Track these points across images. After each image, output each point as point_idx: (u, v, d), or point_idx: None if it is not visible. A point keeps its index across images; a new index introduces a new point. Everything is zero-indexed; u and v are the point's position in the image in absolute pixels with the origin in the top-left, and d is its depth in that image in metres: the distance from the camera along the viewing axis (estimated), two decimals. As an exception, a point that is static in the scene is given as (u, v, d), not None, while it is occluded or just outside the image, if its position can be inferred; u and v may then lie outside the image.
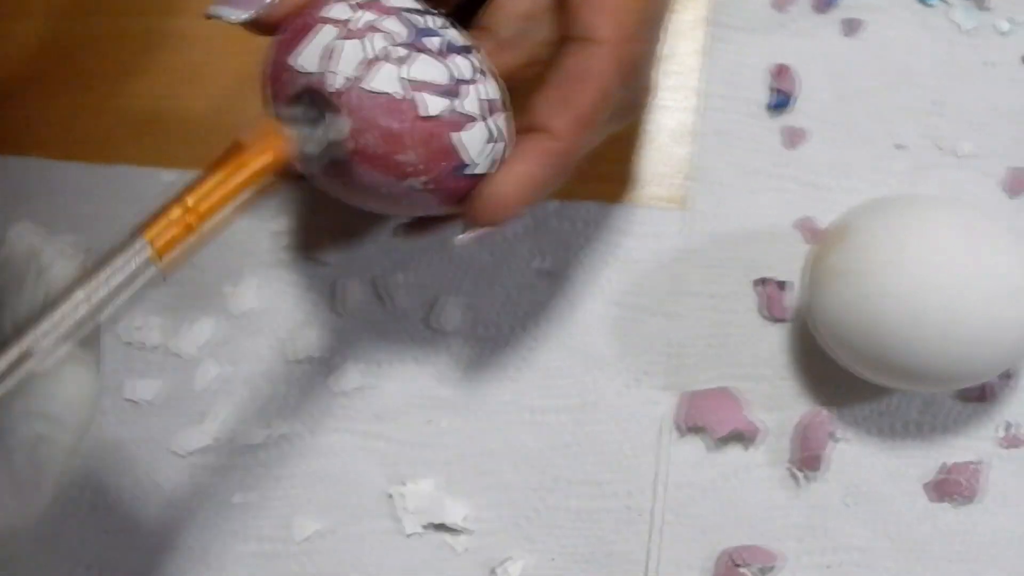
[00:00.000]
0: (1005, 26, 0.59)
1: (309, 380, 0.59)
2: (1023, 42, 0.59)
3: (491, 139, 0.46)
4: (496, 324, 0.59)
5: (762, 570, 0.55)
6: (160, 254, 0.41)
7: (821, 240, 0.53)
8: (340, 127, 0.44)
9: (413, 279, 0.59)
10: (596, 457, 0.57)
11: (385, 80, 0.43)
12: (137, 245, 0.42)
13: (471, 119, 0.45)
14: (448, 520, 0.56)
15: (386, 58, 0.44)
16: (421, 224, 0.52)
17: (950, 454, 0.55)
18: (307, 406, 0.58)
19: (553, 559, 0.56)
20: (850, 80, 0.59)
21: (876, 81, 0.59)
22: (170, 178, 0.61)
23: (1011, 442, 0.55)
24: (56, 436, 0.40)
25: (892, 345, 0.50)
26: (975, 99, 0.58)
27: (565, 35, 0.47)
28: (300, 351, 0.59)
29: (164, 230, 0.42)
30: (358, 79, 0.43)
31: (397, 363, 0.58)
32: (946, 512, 0.55)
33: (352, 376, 0.58)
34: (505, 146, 0.47)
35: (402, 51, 0.44)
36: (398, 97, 0.43)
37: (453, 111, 0.44)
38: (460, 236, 0.47)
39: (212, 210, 0.43)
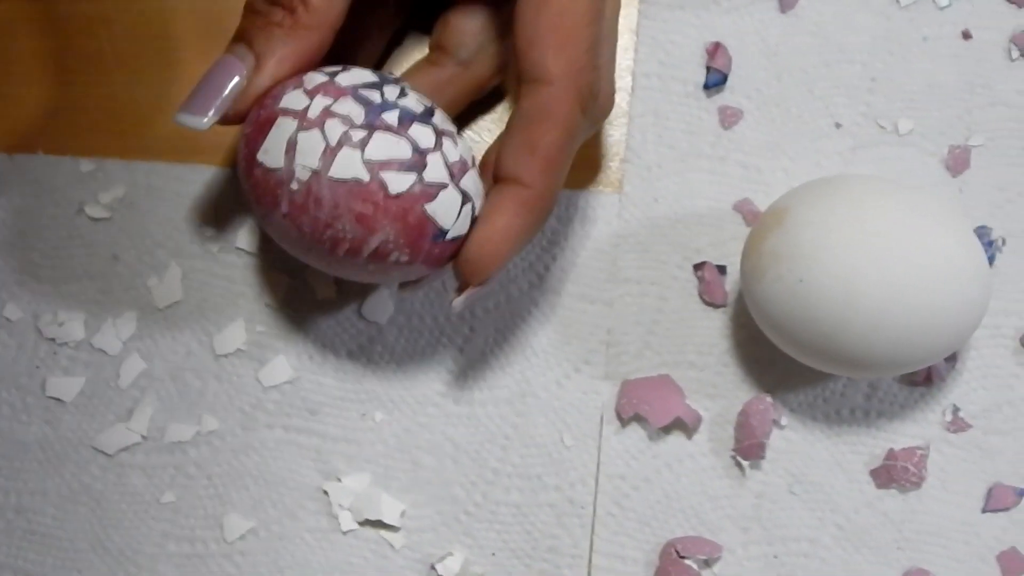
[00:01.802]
0: (944, 0, 0.55)
1: (238, 374, 0.54)
2: (963, 16, 0.54)
3: (464, 201, 0.44)
4: (431, 314, 0.54)
5: (707, 561, 0.51)
6: None
7: (758, 223, 0.48)
8: None
9: (344, 269, 0.55)
10: (536, 449, 0.53)
11: (348, 166, 0.43)
12: None
13: (441, 186, 0.44)
14: (385, 516, 0.52)
15: (346, 143, 0.42)
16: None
17: (896, 440, 0.51)
18: (237, 401, 0.54)
19: (494, 554, 0.52)
20: (786, 57, 0.54)
21: (813, 58, 0.54)
22: (87, 167, 0.56)
23: (958, 426, 0.51)
24: None
25: (830, 331, 0.45)
26: (915, 75, 0.54)
27: (519, 77, 0.45)
28: (228, 345, 0.54)
29: None
30: (323, 169, 0.42)
31: (329, 355, 0.54)
32: (893, 498, 0.51)
33: (283, 370, 0.54)
34: (475, 204, 0.45)
35: (361, 132, 0.43)
36: (364, 181, 0.42)
37: (422, 183, 0.43)
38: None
39: None
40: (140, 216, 0.55)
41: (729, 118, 0.54)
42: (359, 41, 0.52)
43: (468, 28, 0.50)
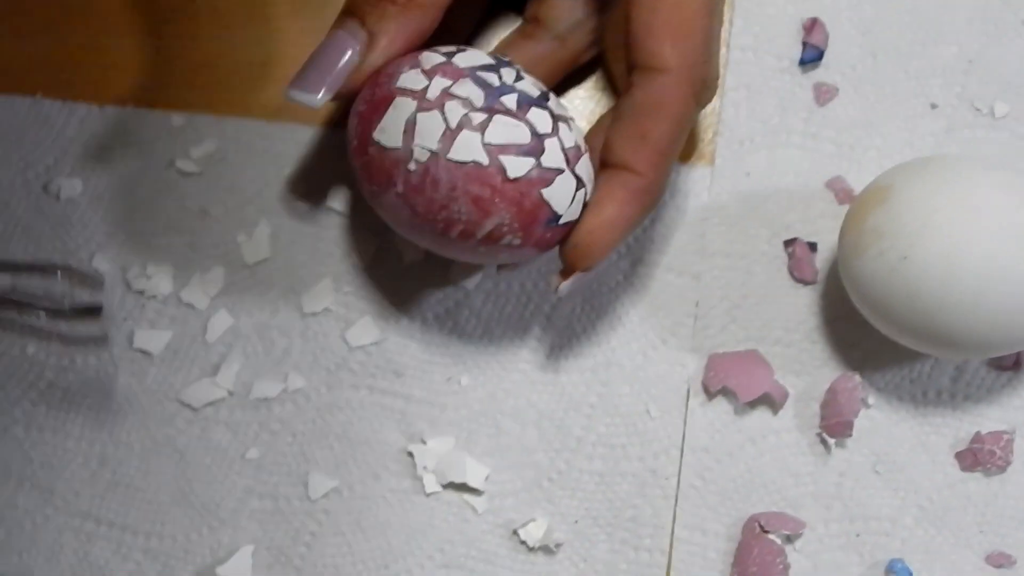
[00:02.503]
0: (1044, -16, 0.54)
1: (325, 334, 0.54)
2: (1064, 1, 0.54)
3: (578, 186, 0.44)
4: (518, 281, 0.54)
5: (789, 537, 0.51)
6: None
7: (859, 200, 0.48)
8: None
9: (433, 232, 0.54)
10: (620, 419, 0.53)
11: (468, 149, 0.43)
12: None
13: (558, 172, 0.44)
14: (470, 480, 0.52)
15: (466, 125, 0.43)
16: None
17: (982, 423, 0.51)
18: (323, 360, 0.54)
19: (576, 521, 0.52)
20: (881, 36, 0.54)
21: (908, 37, 0.54)
22: (178, 122, 0.56)
23: (1046, 412, 0.52)
24: None
25: (930, 309, 0.45)
26: (1012, 59, 0.53)
27: (632, 63, 0.44)
28: (315, 304, 0.54)
29: None
30: (442, 150, 0.43)
31: (416, 318, 0.54)
32: (977, 481, 0.51)
33: (369, 330, 0.54)
34: (587, 190, 0.45)
35: (481, 116, 0.43)
36: (483, 164, 0.43)
37: (539, 167, 0.43)
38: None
39: None
40: (230, 172, 0.55)
41: (824, 95, 0.53)
42: (453, 19, 0.52)
43: (565, 2, 0.50)
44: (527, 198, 0.43)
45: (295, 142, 0.55)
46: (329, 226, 0.54)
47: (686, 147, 0.54)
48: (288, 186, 0.55)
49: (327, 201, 0.54)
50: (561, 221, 0.44)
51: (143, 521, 0.53)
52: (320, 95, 0.45)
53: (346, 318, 0.54)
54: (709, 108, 0.54)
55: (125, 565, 0.53)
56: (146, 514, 0.53)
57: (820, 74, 0.54)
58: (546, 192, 0.43)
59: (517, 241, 0.44)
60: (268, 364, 0.54)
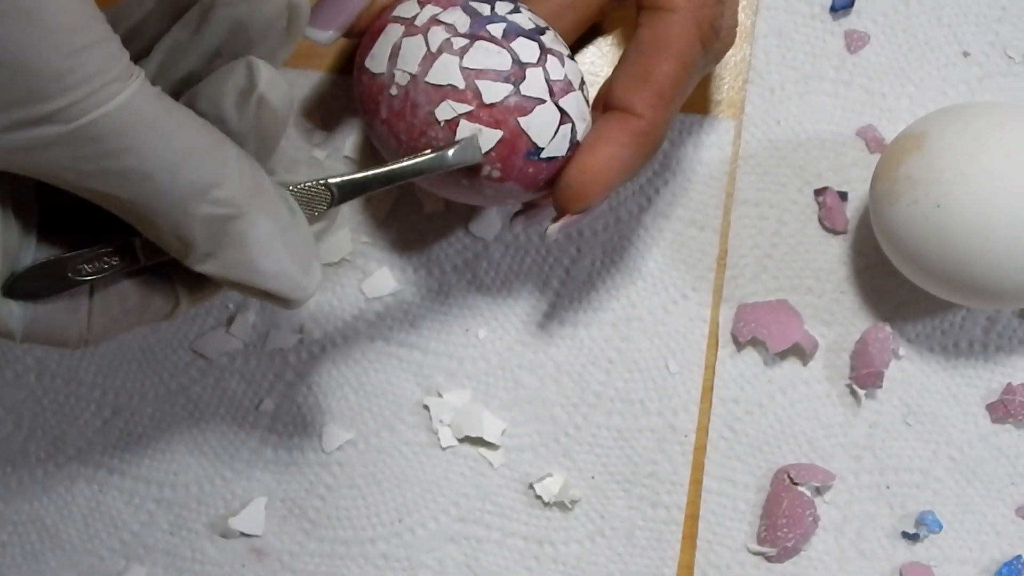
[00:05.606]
0: (1079, -72, 0.52)
1: (342, 284, 0.52)
2: (1101, -55, 0.52)
3: (562, 120, 0.42)
4: (538, 234, 0.52)
5: (819, 489, 0.49)
6: None
7: (893, 147, 0.47)
8: None
9: (453, 182, 0.53)
10: (639, 374, 0.51)
11: (445, 72, 0.42)
12: None
13: (538, 101, 0.42)
14: (486, 434, 0.51)
15: (446, 49, 0.42)
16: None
17: (1013, 374, 0.50)
18: (339, 311, 0.52)
19: (593, 477, 0.51)
20: (914, -17, 0.53)
21: (942, -16, 0.53)
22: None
23: (1079, 363, 0.50)
24: None
25: (964, 258, 0.44)
26: (1047, 5, 0.52)
27: (640, 4, 0.43)
28: (332, 254, 0.52)
29: None
30: (420, 74, 0.42)
31: (434, 270, 0.52)
32: (1008, 433, 0.50)
33: (386, 281, 0.52)
34: (576, 126, 0.43)
35: (463, 41, 0.42)
36: (459, 87, 0.42)
37: (518, 95, 0.42)
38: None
39: None
40: (248, 120, 0.54)
41: (855, 42, 0.52)
42: None
43: None
44: (504, 126, 0.42)
45: (312, 88, 0.53)
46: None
47: (707, 100, 0.52)
48: (305, 135, 0.53)
49: (345, 150, 0.53)
50: (543, 155, 0.43)
51: (156, 471, 0.52)
52: (331, 32, 0.44)
53: (363, 268, 0.52)
54: (739, 55, 0.52)
55: (137, 515, 0.52)
56: (159, 464, 0.52)
57: (852, 21, 0.52)
58: (524, 121, 0.42)
59: (497, 173, 0.43)
60: (284, 314, 0.52)
